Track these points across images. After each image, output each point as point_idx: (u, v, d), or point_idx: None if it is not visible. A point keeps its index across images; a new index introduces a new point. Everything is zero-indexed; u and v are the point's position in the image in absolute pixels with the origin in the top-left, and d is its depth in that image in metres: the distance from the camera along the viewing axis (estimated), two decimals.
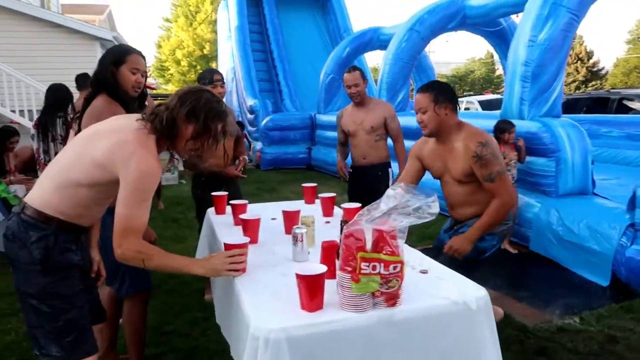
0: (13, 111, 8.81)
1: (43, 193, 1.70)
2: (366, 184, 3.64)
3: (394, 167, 3.79)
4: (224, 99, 3.36)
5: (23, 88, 8.73)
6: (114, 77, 2.25)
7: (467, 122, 2.55)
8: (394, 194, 1.43)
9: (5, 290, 3.64)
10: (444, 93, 2.46)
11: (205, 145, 1.73)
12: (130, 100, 2.32)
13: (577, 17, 4.59)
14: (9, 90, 8.71)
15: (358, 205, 2.72)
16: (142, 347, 2.49)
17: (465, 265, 2.30)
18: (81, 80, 4.91)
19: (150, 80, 29.91)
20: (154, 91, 29.82)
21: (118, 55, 2.29)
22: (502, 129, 4.44)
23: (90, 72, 3.56)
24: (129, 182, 1.60)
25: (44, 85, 6.78)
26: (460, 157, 2.45)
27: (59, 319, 1.69)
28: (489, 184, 2.40)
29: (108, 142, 1.64)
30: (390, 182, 3.66)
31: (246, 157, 3.70)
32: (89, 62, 8.77)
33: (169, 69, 31.39)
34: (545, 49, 4.53)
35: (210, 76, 3.27)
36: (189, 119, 1.67)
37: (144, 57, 2.37)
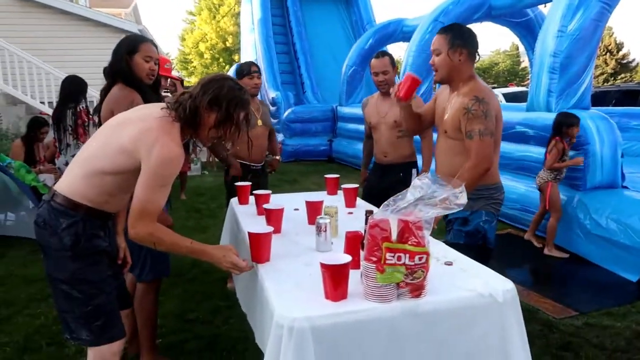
0: (42, 102, 9.01)
1: (71, 181, 1.73)
2: (385, 185, 3.25)
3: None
4: (258, 90, 3.48)
5: (52, 80, 8.91)
6: (128, 66, 2.32)
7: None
8: (420, 184, 1.41)
9: (36, 277, 3.75)
10: (461, 37, 2.25)
11: (227, 133, 1.74)
12: (145, 87, 2.37)
13: (609, 6, 4.46)
14: (38, 82, 8.91)
15: (354, 185, 2.72)
16: (154, 332, 2.55)
17: (470, 254, 2.19)
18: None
19: (174, 73, 30.22)
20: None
21: (131, 45, 2.36)
22: (569, 123, 4.12)
23: None
24: (150, 167, 1.62)
25: None
26: (455, 108, 2.27)
27: (89, 304, 1.73)
28: (468, 141, 2.19)
29: (134, 129, 1.67)
30: None
31: (279, 158, 3.78)
32: None
33: (192, 62, 31.65)
34: (575, 39, 4.42)
35: (248, 68, 3.43)
36: (212, 107, 1.68)
37: (156, 46, 2.44)
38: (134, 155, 1.66)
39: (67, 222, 1.69)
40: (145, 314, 2.47)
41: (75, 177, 1.73)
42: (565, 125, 4.15)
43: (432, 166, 2.77)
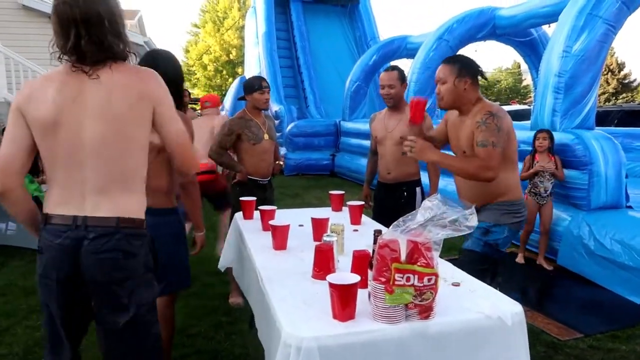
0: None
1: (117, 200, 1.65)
2: (389, 204, 3.23)
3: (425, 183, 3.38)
4: (268, 104, 3.47)
5: None
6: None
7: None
8: (430, 205, 1.41)
9: (36, 288, 3.72)
10: (467, 67, 2.35)
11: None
12: None
13: (614, 28, 4.50)
14: None
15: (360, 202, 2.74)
16: (171, 346, 2.52)
17: (484, 264, 2.24)
18: None
19: None
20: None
21: None
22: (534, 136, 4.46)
23: None
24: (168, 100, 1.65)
25: None
26: (468, 127, 2.33)
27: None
28: (478, 149, 2.21)
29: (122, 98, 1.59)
30: (418, 204, 3.17)
31: (281, 163, 3.78)
32: None
33: (196, 74, 31.87)
34: (580, 59, 4.45)
35: (259, 83, 3.39)
36: None
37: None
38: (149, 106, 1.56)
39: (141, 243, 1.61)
40: (169, 326, 2.43)
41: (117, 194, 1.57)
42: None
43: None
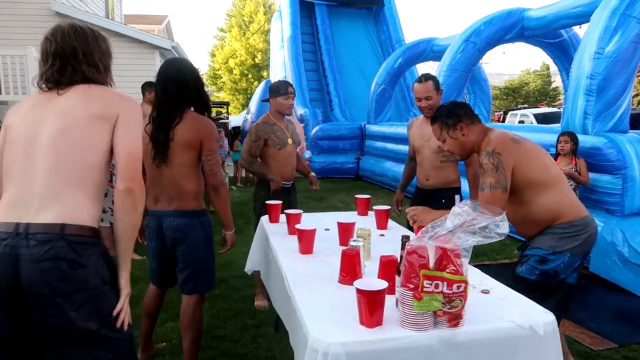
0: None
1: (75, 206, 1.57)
2: None
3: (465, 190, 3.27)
4: (292, 111, 3.49)
5: None
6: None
7: (496, 128, 2.32)
8: (460, 212, 1.39)
9: None
10: (449, 116, 2.26)
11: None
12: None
13: None
14: None
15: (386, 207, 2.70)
16: (199, 345, 2.58)
17: (537, 292, 2.00)
18: (144, 87, 5.16)
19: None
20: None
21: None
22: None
23: (150, 79, 3.73)
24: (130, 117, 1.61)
25: None
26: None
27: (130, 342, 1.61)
28: (479, 192, 2.13)
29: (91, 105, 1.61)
30: None
31: (314, 175, 3.81)
32: (149, 70, 9.14)
33: (222, 77, 32.25)
34: (613, 61, 4.33)
35: (285, 88, 3.41)
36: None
37: None
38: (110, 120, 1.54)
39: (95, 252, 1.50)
40: (198, 327, 2.50)
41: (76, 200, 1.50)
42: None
43: None
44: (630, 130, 4.69)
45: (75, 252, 1.43)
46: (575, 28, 7.78)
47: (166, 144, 2.30)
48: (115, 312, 1.49)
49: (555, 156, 4.36)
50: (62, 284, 1.40)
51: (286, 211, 2.61)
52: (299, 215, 2.58)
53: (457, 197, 3.20)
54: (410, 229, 2.28)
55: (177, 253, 2.41)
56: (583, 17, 6.35)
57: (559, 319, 2.19)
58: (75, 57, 1.56)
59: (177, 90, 2.32)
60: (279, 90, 3.39)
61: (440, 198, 3.14)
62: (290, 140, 3.46)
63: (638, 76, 30.03)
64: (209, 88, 33.08)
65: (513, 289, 1.77)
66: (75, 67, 1.56)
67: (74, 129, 1.51)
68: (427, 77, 3.14)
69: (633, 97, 28.46)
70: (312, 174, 3.81)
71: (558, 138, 4.42)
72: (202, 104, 2.42)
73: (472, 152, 2.32)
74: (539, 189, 2.15)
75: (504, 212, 1.39)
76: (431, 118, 2.40)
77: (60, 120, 1.52)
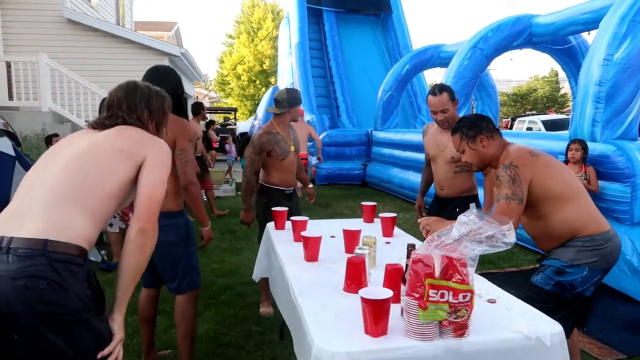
0: (87, 121, 9.35)
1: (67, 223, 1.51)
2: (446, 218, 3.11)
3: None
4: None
5: (97, 100, 9.26)
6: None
7: (516, 142, 2.31)
8: (466, 221, 1.38)
9: None
10: (470, 127, 2.27)
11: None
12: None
13: None
14: (84, 102, 9.27)
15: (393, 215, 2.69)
16: (193, 342, 2.59)
17: (550, 303, 2.03)
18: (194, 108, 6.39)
19: (211, 94, 31.09)
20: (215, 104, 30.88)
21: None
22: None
23: None
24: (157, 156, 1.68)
25: None
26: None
27: None
28: (495, 203, 2.12)
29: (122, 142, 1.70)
30: None
31: (312, 187, 3.85)
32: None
33: (230, 84, 32.43)
34: (622, 68, 4.29)
35: (300, 96, 3.56)
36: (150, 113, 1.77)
37: None
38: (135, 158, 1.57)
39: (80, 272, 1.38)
40: (188, 324, 2.52)
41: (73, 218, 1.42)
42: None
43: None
44: None
45: (56, 271, 1.31)
46: (584, 34, 7.73)
47: None
48: (100, 355, 1.38)
49: (565, 163, 4.33)
50: (39, 306, 1.29)
51: (292, 218, 2.61)
52: (304, 222, 2.58)
53: (472, 205, 3.14)
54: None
55: (153, 255, 2.43)
56: (592, 23, 6.32)
57: (572, 329, 2.17)
58: (119, 107, 1.71)
59: None
60: (298, 100, 3.47)
61: (455, 207, 3.07)
62: (292, 148, 3.47)
63: None
64: (216, 94, 33.27)
65: (527, 297, 1.76)
66: (118, 115, 1.69)
67: (95, 153, 1.55)
68: (441, 88, 3.02)
69: None
70: (311, 185, 3.85)
71: (568, 145, 4.39)
72: (180, 108, 2.51)
73: (490, 165, 2.31)
74: (557, 203, 2.14)
75: (511, 222, 1.37)
76: (452, 129, 2.39)
77: (86, 144, 1.58)
